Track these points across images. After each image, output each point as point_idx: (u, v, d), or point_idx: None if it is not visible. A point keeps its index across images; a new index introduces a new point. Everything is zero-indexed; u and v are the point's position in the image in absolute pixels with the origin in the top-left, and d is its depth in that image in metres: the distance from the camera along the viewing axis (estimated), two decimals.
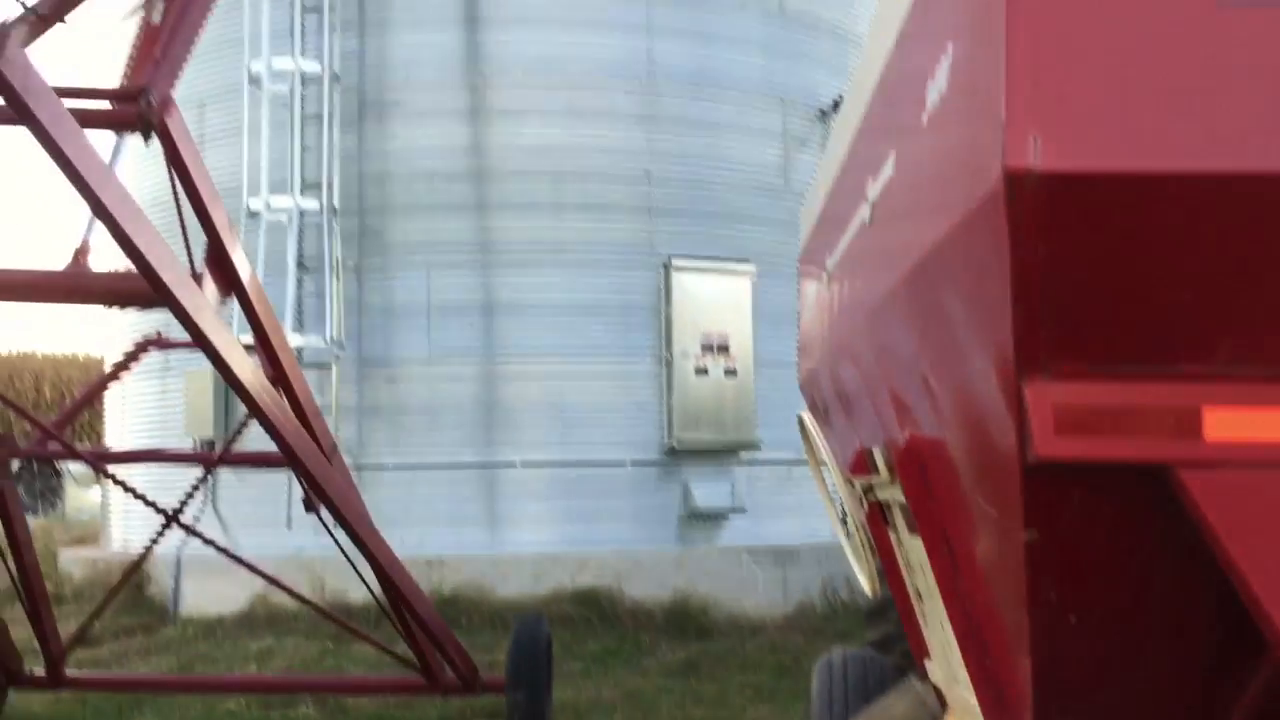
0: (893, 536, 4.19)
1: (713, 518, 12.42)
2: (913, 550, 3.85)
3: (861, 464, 4.04)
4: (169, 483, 11.89)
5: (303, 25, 12.25)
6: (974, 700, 3.31)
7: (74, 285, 5.02)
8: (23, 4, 4.67)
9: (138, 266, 4.07)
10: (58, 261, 5.44)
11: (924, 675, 4.31)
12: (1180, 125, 1.87)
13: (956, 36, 2.29)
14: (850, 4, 14.37)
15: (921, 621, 4.24)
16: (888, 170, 3.15)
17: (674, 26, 12.73)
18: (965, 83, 2.21)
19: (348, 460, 9.89)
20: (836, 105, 13.36)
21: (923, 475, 3.08)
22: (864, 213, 3.53)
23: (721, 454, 12.54)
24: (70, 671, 6.97)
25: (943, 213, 2.30)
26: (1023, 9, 1.93)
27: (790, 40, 13.58)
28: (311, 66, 12.14)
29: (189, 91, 12.72)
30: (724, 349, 12.50)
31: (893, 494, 3.79)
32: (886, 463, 3.73)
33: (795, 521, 12.86)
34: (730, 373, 12.51)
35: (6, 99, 3.34)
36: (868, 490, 4.10)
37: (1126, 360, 2.06)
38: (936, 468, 2.96)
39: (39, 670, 6.85)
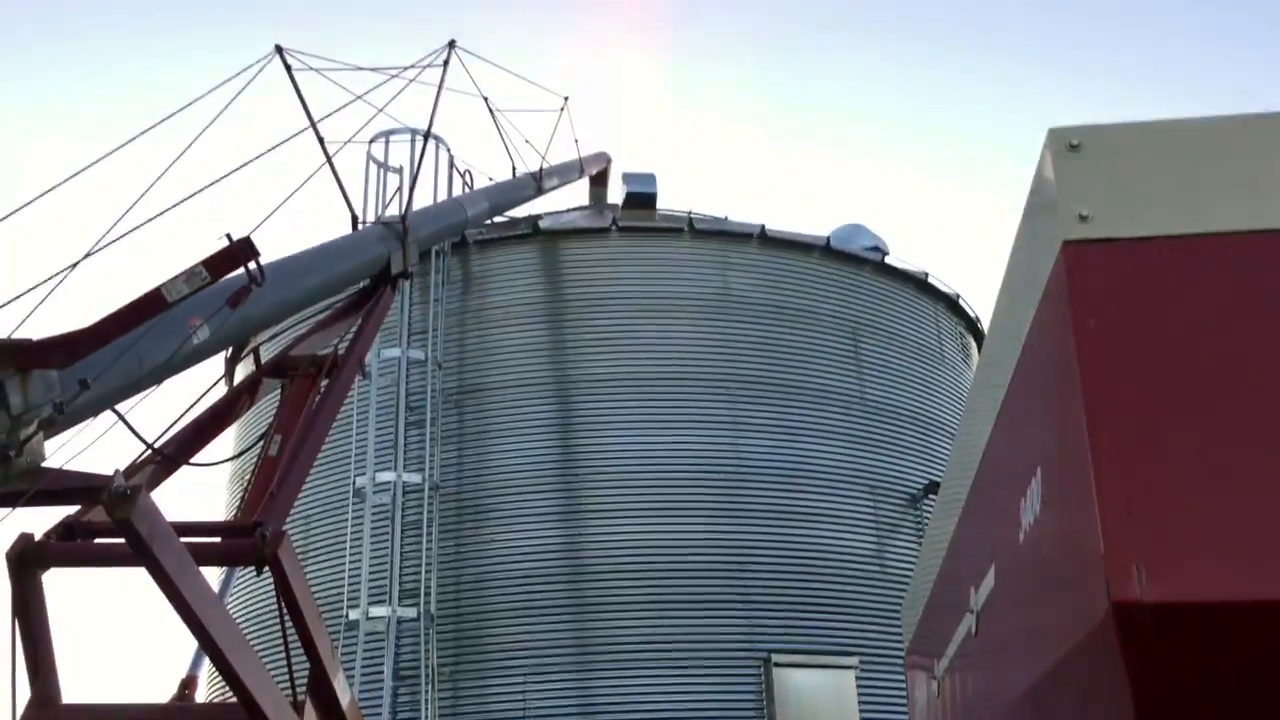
0: None
1: None
2: None
3: None
4: None
5: (405, 440, 12.89)
6: None
7: None
8: (151, 447, 4.98)
9: (240, 699, 4.10)
10: (163, 693, 5.49)
11: None
12: None
13: (1044, 462, 2.35)
14: (930, 393, 14.76)
15: None
16: (989, 581, 3.14)
17: (759, 421, 13.13)
18: (1057, 508, 2.24)
19: None
20: (927, 491, 13.42)
21: None
22: (969, 621, 3.47)
23: None
24: None
25: (1052, 637, 2.27)
26: (1109, 440, 1.99)
27: (874, 429, 13.88)
28: (413, 478, 12.65)
29: (296, 507, 13.27)
30: None
31: None
32: None
33: None
34: None
35: (133, 546, 3.52)
36: None
37: None
38: None
39: None
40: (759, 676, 12.14)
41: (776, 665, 12.15)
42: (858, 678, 12.37)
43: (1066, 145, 2.22)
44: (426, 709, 11.85)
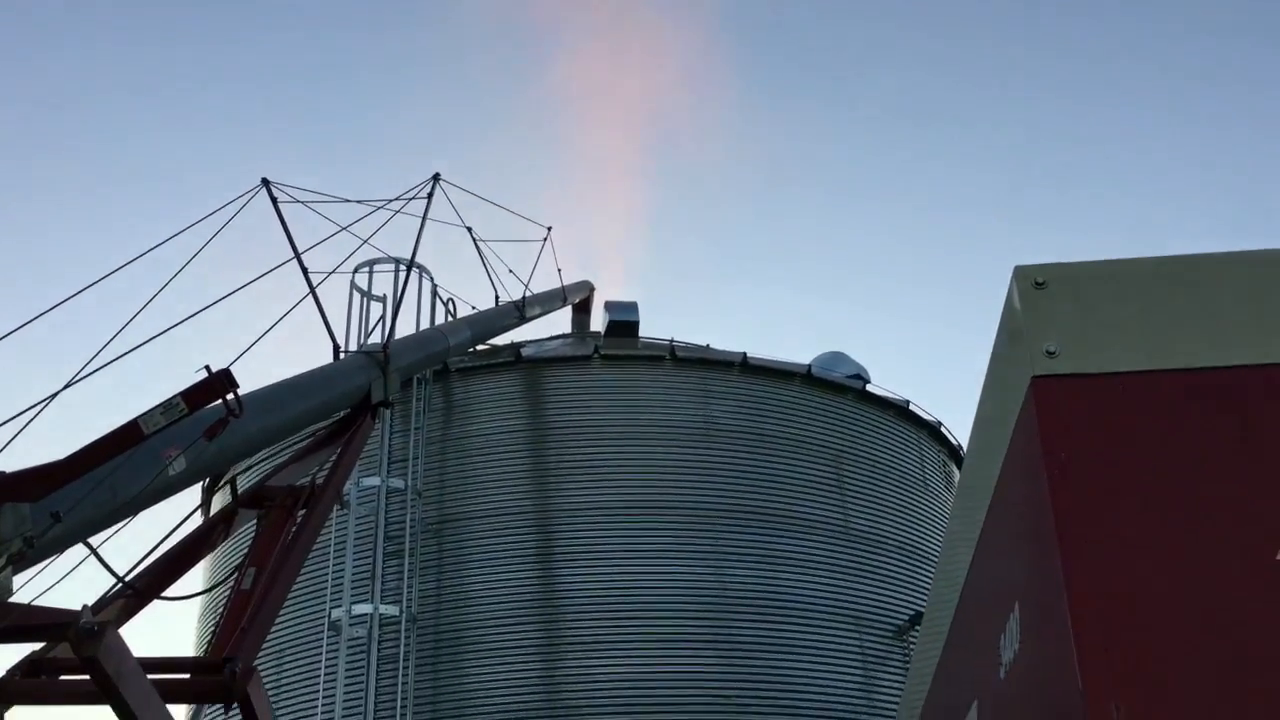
0: None
1: None
2: None
3: None
4: None
5: (384, 570, 12.71)
6: None
7: None
8: (121, 580, 4.90)
9: None
10: None
11: None
12: (1261, 689, 1.85)
13: (1021, 599, 2.33)
14: (914, 522, 14.70)
15: None
16: (972, 718, 3.08)
17: (742, 551, 13.01)
18: (1036, 644, 2.22)
19: None
20: (913, 622, 13.25)
21: None
22: None
23: None
24: None
25: None
26: (1084, 579, 1.98)
27: (859, 559, 13.76)
28: (390, 610, 12.43)
29: (268, 641, 12.99)
30: None
31: None
32: None
33: None
34: None
35: (99, 684, 3.44)
36: None
37: None
38: None
39: None
40: None
41: None
42: None
43: (1032, 283, 2.27)
44: None
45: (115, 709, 3.68)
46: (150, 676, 3.87)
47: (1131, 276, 2.27)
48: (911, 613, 13.47)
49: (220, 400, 4.29)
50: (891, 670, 13.08)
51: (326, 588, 12.92)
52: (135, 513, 4.52)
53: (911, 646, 12.71)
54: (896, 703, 10.79)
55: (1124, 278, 2.26)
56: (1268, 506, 2.02)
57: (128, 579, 4.95)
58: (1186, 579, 2.02)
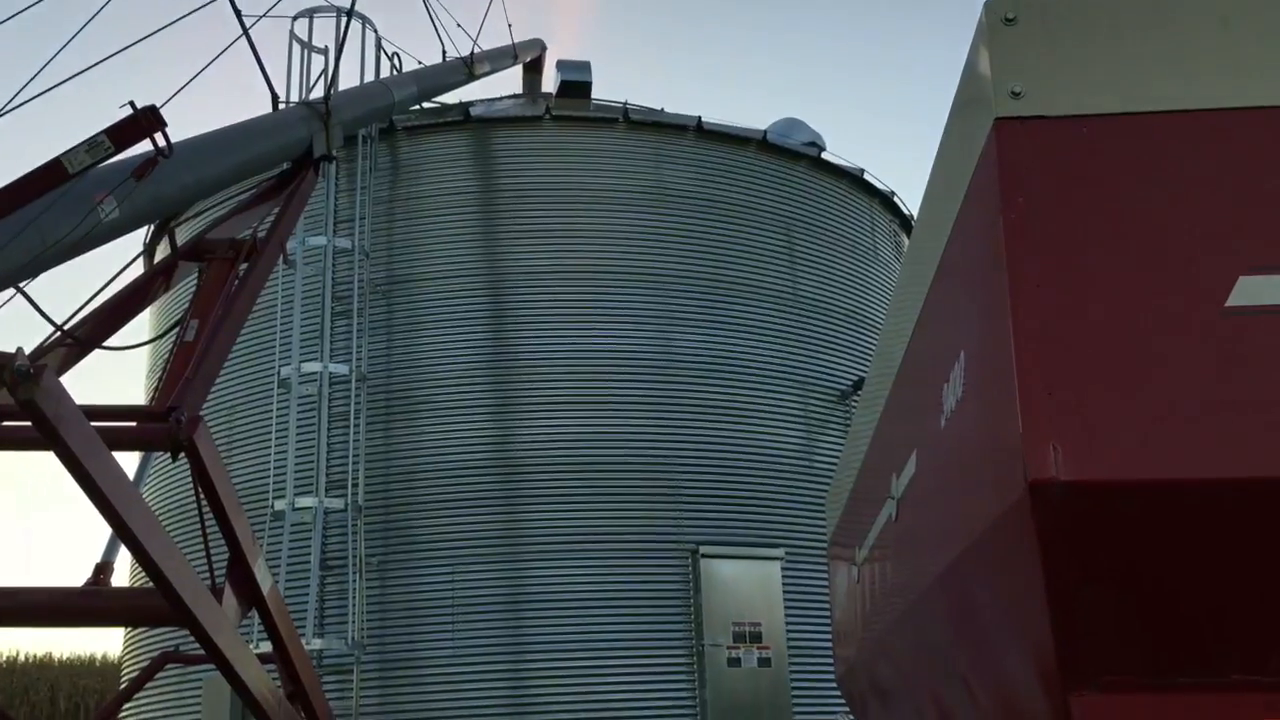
0: None
1: None
2: None
3: None
4: None
5: (332, 330, 12.71)
6: None
7: (93, 606, 4.95)
8: (60, 329, 4.82)
9: (157, 585, 4.03)
10: (77, 579, 5.40)
11: None
12: (1199, 431, 1.87)
13: (967, 346, 2.33)
14: (863, 291, 14.84)
15: None
16: (910, 468, 3.14)
17: (691, 315, 13.12)
18: (979, 391, 2.22)
19: None
20: (856, 387, 13.56)
21: None
22: (889, 509, 3.49)
23: None
24: None
25: (969, 519, 2.27)
26: (1031, 321, 1.97)
27: (806, 325, 13.95)
28: (340, 369, 12.50)
29: (219, 397, 13.07)
30: (756, 637, 12.17)
31: None
32: None
33: None
34: (764, 662, 12.12)
35: (38, 427, 3.40)
36: None
37: (1176, 671, 1.97)
38: None
39: None
40: (686, 567, 12.32)
41: (704, 556, 12.33)
42: (783, 569, 12.61)
43: (1002, 18, 2.16)
44: (354, 599, 11.88)
45: (60, 455, 3.66)
46: (95, 424, 3.83)
47: (1106, 12, 2.16)
48: (855, 378, 13.76)
49: (149, 139, 4.12)
50: (832, 433, 13.47)
51: (275, 346, 12.93)
52: (69, 258, 4.40)
53: (853, 410, 13.02)
54: (835, 463, 11.15)
55: (1098, 14, 2.15)
56: (1220, 254, 1.99)
57: (66, 327, 4.86)
58: (1134, 325, 2.01)
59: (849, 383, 13.87)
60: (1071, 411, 1.87)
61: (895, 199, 15.98)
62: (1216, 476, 1.84)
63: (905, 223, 16.24)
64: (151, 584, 4.14)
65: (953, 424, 2.44)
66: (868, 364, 13.87)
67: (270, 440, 12.64)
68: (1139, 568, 1.93)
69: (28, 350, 3.82)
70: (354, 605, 11.83)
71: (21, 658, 32.02)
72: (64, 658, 33.36)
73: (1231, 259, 1.96)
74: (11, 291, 4.03)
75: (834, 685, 6.72)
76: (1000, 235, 2.01)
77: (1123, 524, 1.88)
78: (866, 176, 15.46)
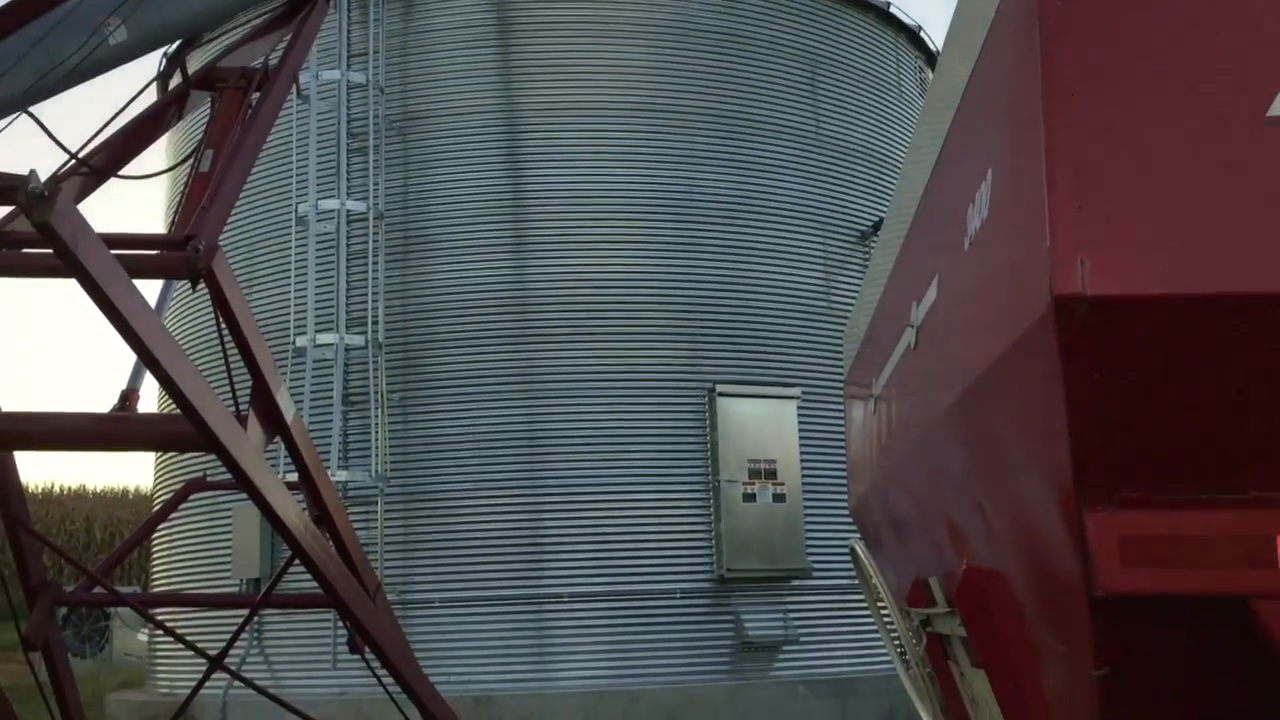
0: (954, 669, 4.03)
1: (766, 648, 12.12)
2: (977, 684, 3.70)
3: (918, 594, 3.93)
4: (216, 624, 11.83)
5: (348, 166, 12.60)
6: None
7: (119, 431, 5.03)
8: (75, 157, 4.78)
9: (184, 411, 4.08)
10: (104, 406, 5.49)
11: None
12: (1232, 245, 1.83)
13: (995, 162, 2.27)
14: (886, 129, 14.57)
15: None
16: (931, 294, 3.12)
17: (711, 153, 12.94)
18: (1006, 208, 2.18)
19: (393, 595, 9.80)
20: (876, 227, 13.44)
21: (983, 608, 2.97)
22: (909, 337, 3.48)
23: (772, 581, 12.30)
24: None
25: (991, 338, 2.26)
26: (1064, 131, 1.91)
27: (827, 164, 13.75)
28: (357, 206, 12.43)
29: (239, 234, 13.07)
30: (771, 474, 12.36)
31: (952, 625, 3.66)
32: (944, 593, 3.61)
33: (853, 651, 12.52)
34: (779, 498, 12.35)
35: (57, 253, 3.39)
36: (925, 622, 3.97)
37: (1193, 488, 1.98)
38: (997, 600, 2.85)
39: None
40: (703, 405, 12.45)
41: (721, 395, 12.44)
42: (799, 408, 12.73)
43: None
44: (376, 433, 12.09)
45: (80, 280, 3.66)
46: (113, 252, 3.82)
47: None
48: (876, 218, 13.63)
49: None
50: (851, 274, 13.41)
51: (291, 183, 12.85)
52: (76, 83, 4.32)
53: (872, 250, 12.95)
54: (854, 303, 11.15)
55: None
56: (1262, 62, 1.92)
57: (81, 155, 4.80)
58: (1170, 136, 1.95)
59: (869, 223, 13.74)
60: (1101, 225, 1.84)
61: (922, 34, 15.56)
62: (1246, 291, 1.81)
63: (930, 59, 15.83)
64: (178, 410, 4.19)
65: (977, 245, 2.41)
66: (889, 204, 13.71)
67: (290, 278, 12.68)
68: (1162, 385, 1.92)
69: (42, 178, 3.79)
70: (376, 439, 12.05)
71: (57, 489, 32.97)
72: (98, 490, 34.33)
73: (1274, 68, 1.89)
74: (26, 125, 3.98)
75: (846, 520, 6.84)
76: (1035, 42, 1.94)
77: (1148, 340, 1.86)
78: (893, 9, 15.02)
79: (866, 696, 12.05)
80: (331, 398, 12.10)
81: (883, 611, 4.46)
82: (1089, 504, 2.05)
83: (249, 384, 4.87)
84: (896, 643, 4.28)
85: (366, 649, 5.52)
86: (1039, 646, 2.61)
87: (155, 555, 14.98)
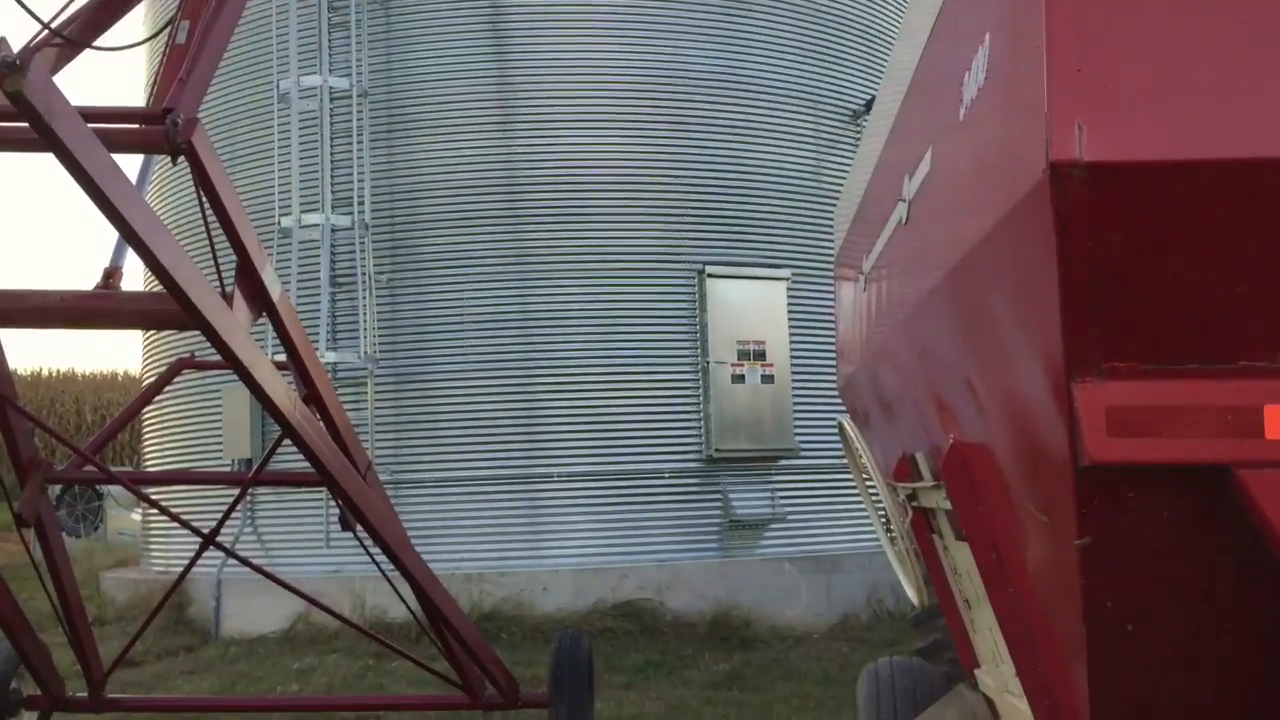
0: (938, 543, 4.09)
1: (753, 526, 12.32)
2: (960, 557, 3.76)
3: (904, 470, 3.96)
4: (209, 504, 11.95)
5: (330, 42, 12.32)
6: (1026, 709, 3.21)
7: (104, 308, 5.00)
8: (48, 28, 4.65)
9: (167, 288, 4.04)
10: (87, 284, 5.44)
11: (973, 684, 4.21)
12: (1232, 110, 1.79)
13: (994, 29, 2.21)
14: (879, 2, 14.26)
15: (970, 629, 4.15)
16: (924, 167, 3.07)
17: (702, 30, 12.68)
18: (1004, 75, 2.13)
19: (385, 476, 9.88)
20: (868, 106, 13.24)
21: (968, 480, 2.99)
22: (900, 212, 3.45)
23: (760, 461, 12.44)
24: (112, 694, 6.96)
25: (984, 209, 2.23)
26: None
27: (819, 40, 13.50)
28: (340, 83, 12.19)
29: (220, 111, 12.83)
30: (760, 355, 12.41)
31: (937, 500, 3.70)
32: (930, 468, 3.64)
33: (838, 529, 12.74)
34: (767, 379, 12.41)
35: (31, 124, 3.31)
36: (911, 497, 4.02)
37: (1181, 358, 1.97)
38: (983, 472, 2.87)
39: (81, 693, 6.85)
40: (693, 287, 12.43)
41: (710, 276, 12.42)
42: (789, 290, 12.72)
43: None
44: (364, 314, 12.06)
45: (56, 152, 3.58)
46: (90, 126, 3.73)
47: None
48: (868, 97, 13.44)
49: None
50: (842, 154, 13.27)
51: (272, 59, 12.57)
52: None
53: (864, 129, 12.80)
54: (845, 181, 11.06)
55: None
56: None
57: (54, 25, 4.67)
58: (1172, 4, 1.89)
59: (861, 102, 13.55)
60: (1101, 89, 1.79)
61: None
62: (1246, 157, 1.78)
63: None
64: (162, 289, 4.15)
65: (973, 113, 2.36)
66: (881, 81, 13.48)
67: (273, 158, 12.50)
68: (1156, 253, 1.90)
69: (15, 48, 3.68)
70: (365, 321, 12.02)
71: (45, 372, 32.98)
72: (86, 373, 34.35)
73: None
74: None
75: (834, 402, 6.88)
76: None
77: (1145, 207, 1.84)
78: None
79: (850, 573, 12.30)
80: (318, 279, 12.03)
81: (869, 487, 4.51)
82: (1077, 375, 2.04)
83: (234, 262, 4.83)
84: (882, 515, 4.33)
85: (358, 526, 5.58)
86: (1022, 518, 2.64)
87: (146, 437, 15.07)
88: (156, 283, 4.17)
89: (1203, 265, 1.88)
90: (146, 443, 15.07)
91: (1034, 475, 2.43)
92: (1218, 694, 2.58)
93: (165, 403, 13.83)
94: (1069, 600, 2.42)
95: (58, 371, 33.14)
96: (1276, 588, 2.15)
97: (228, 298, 4.57)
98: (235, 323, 4.43)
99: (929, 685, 4.74)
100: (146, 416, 14.87)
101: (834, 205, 11.69)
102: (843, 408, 6.11)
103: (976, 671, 4.16)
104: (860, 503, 12.50)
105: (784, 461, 12.61)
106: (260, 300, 4.78)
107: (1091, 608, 2.35)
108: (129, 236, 3.87)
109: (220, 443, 12.68)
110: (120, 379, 32.63)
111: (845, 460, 5.28)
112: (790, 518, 12.53)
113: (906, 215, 3.21)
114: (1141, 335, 1.98)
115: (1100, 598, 2.32)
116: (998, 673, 3.80)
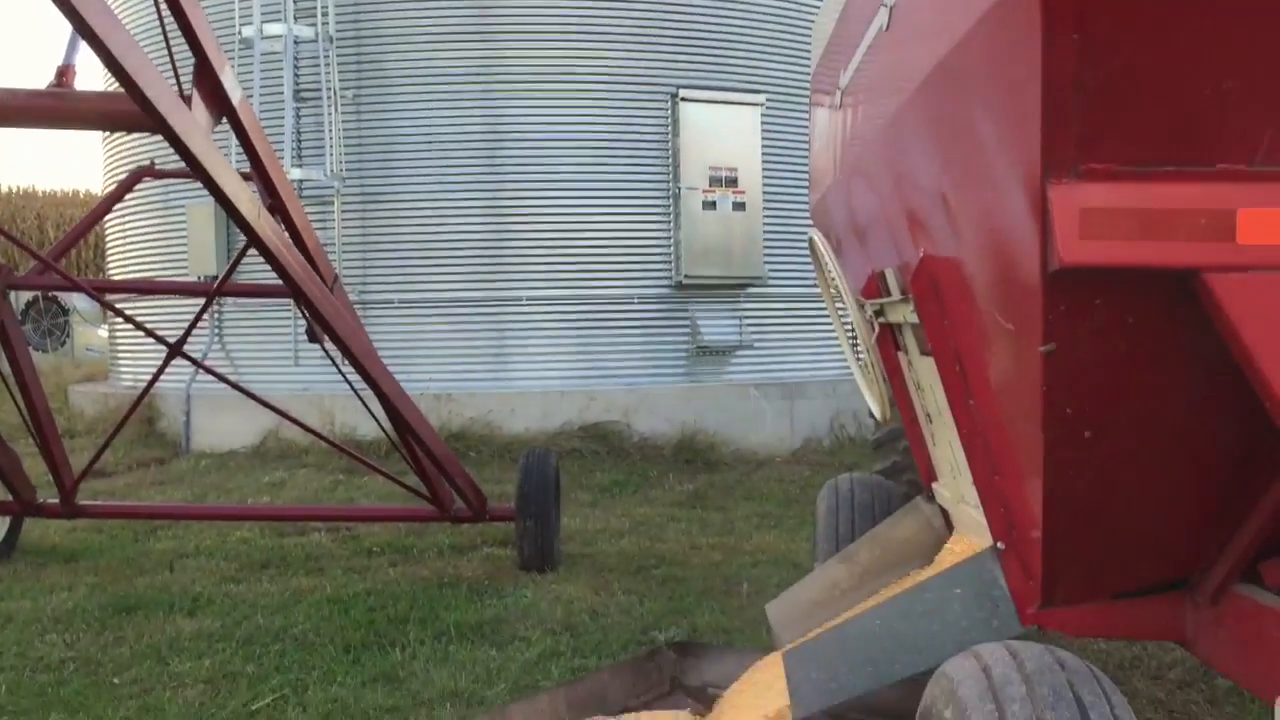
0: (903, 359, 4.13)
1: (720, 353, 12.40)
2: (923, 371, 3.79)
3: (873, 286, 3.96)
4: (175, 317, 11.89)
5: None
6: (981, 518, 3.30)
7: (59, 107, 4.85)
8: None
9: (124, 86, 3.91)
10: (39, 83, 5.25)
11: (930, 497, 4.32)
12: None
13: None
14: None
15: (930, 443, 4.22)
16: None
17: None
18: None
19: (352, 295, 9.82)
20: None
21: (936, 291, 2.99)
22: (881, 18, 3.35)
23: (729, 288, 12.44)
24: (83, 501, 7.05)
25: (968, 6, 2.16)
26: None
27: None
28: (305, 31, 11.62)
29: None
30: (732, 182, 12.26)
31: (904, 314, 3.71)
32: (899, 283, 3.64)
33: (803, 356, 12.86)
34: (738, 206, 12.30)
35: None
36: (879, 312, 4.03)
37: (1160, 159, 1.95)
38: (950, 283, 2.87)
39: (52, 499, 6.93)
40: (666, 111, 12.20)
41: (683, 100, 12.17)
42: (763, 116, 12.51)
43: None
44: (330, 131, 11.79)
45: None
46: None
47: None
48: None
49: None
50: None
51: (235, 8, 11.91)
52: None
53: None
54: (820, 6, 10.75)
55: None
56: None
57: None
58: None
59: None
60: None
61: None
62: None
63: None
64: (120, 89, 4.02)
65: None
66: None
67: None
68: (1140, 50, 1.85)
69: None
70: (330, 137, 11.77)
71: (5, 189, 32.30)
72: (48, 190, 33.65)
73: None
74: None
75: (805, 230, 6.82)
76: None
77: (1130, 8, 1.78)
78: None
79: (813, 399, 12.48)
80: (281, 93, 11.71)
81: (837, 305, 4.52)
82: (1053, 176, 2.01)
83: (192, 65, 4.67)
84: (849, 333, 4.36)
85: (325, 339, 5.57)
86: (988, 329, 2.65)
87: (111, 254, 14.87)
88: (115, 83, 4.03)
89: (1188, 61, 1.84)
90: (111, 259, 14.87)
91: (1002, 284, 2.43)
92: (1169, 501, 2.65)
93: (128, 217, 13.60)
94: (1030, 408, 2.45)
95: (18, 188, 32.46)
96: (1235, 396, 2.18)
97: (186, 100, 4.43)
98: (195, 124, 4.31)
99: (887, 499, 4.86)
100: (110, 232, 14.64)
101: (811, 31, 11.39)
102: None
103: (934, 484, 4.26)
104: (826, 330, 12.60)
105: (752, 289, 12.62)
106: (220, 103, 4.64)
107: (1051, 415, 2.38)
108: (84, 32, 3.71)
109: (185, 259, 12.53)
110: (83, 196, 32.04)
111: (814, 288, 5.28)
112: (757, 344, 12.62)
113: (888, 20, 3.12)
114: (1121, 135, 1.94)
115: (1060, 405, 2.35)
116: (954, 485, 3.88)
